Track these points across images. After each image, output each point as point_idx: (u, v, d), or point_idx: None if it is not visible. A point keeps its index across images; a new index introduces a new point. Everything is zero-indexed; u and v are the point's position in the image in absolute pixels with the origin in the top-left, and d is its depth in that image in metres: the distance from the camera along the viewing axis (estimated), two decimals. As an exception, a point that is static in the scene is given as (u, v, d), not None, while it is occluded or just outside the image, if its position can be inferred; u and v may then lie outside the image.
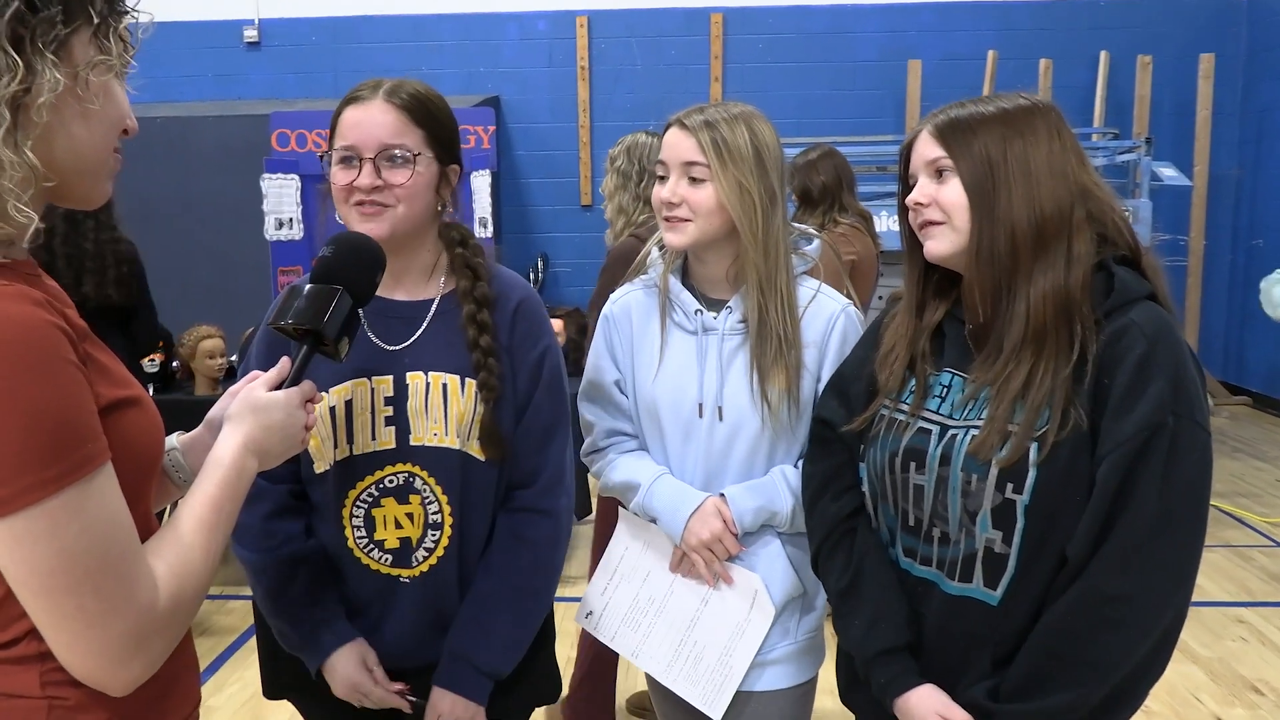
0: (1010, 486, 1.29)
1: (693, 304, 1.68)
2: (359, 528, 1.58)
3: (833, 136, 6.62)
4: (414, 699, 1.58)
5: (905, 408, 1.42)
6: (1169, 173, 6.35)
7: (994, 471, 1.29)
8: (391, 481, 1.57)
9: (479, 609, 1.58)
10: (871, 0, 7.37)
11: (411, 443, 1.56)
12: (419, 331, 1.57)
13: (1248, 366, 7.50)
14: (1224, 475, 5.53)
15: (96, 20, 0.92)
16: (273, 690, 1.73)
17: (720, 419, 1.66)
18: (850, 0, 7.38)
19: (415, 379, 1.56)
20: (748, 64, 7.39)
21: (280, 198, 5.34)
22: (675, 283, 1.70)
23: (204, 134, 5.95)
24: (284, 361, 1.28)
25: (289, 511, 1.62)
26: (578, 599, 1.88)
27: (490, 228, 5.77)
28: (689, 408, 1.68)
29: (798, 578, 1.68)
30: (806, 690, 1.73)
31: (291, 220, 5.37)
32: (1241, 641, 3.61)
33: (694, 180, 1.60)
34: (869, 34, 7.41)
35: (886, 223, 5.40)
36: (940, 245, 1.37)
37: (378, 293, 1.48)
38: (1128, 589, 1.25)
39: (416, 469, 1.57)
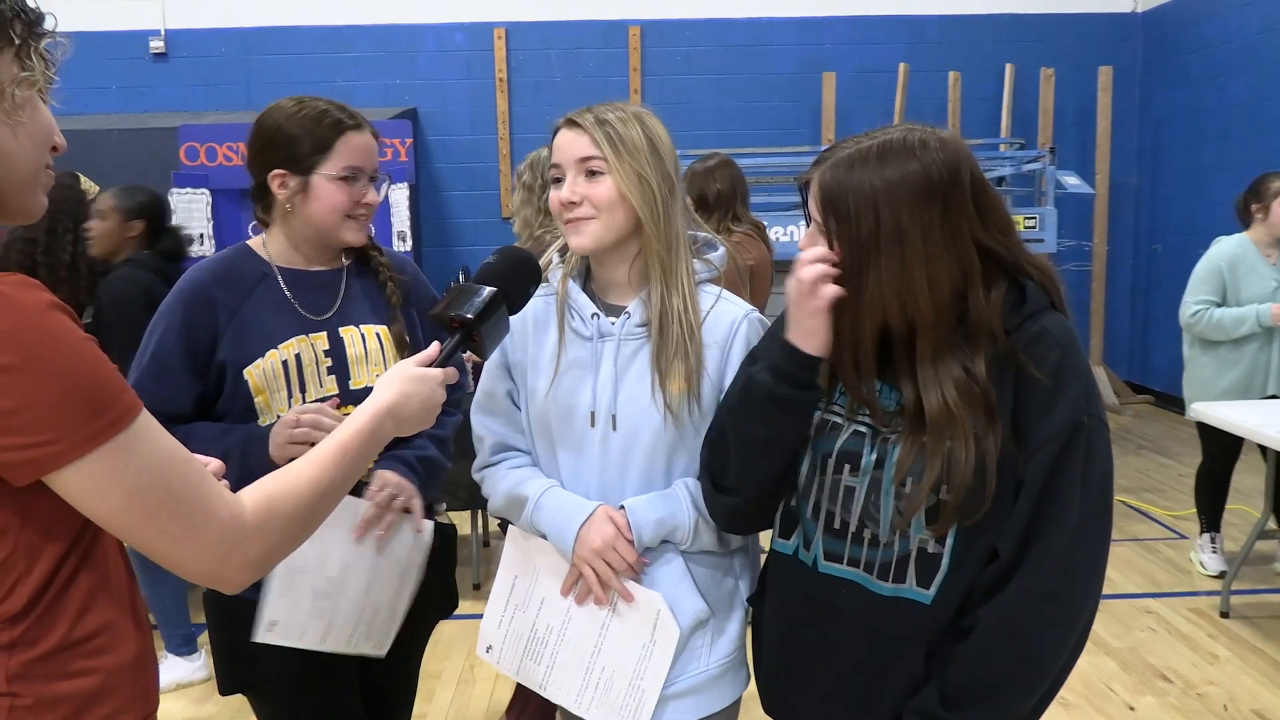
0: (944, 489, 1.31)
1: (590, 308, 1.63)
2: None
3: (750, 147, 6.75)
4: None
5: (839, 409, 1.42)
6: (1072, 181, 6.58)
7: (929, 475, 1.31)
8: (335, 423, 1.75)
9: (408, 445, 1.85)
10: (787, 14, 7.50)
11: (352, 387, 1.81)
12: (340, 296, 1.85)
13: (1151, 366, 7.79)
14: (1130, 471, 5.74)
15: (18, 41, 0.99)
16: (227, 686, 1.83)
17: (614, 428, 1.60)
18: (766, 14, 7.50)
19: (347, 332, 1.83)
20: (666, 76, 7.46)
21: (190, 213, 5.22)
22: (574, 288, 1.66)
23: (110, 148, 5.78)
24: (434, 345, 1.39)
25: None
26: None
27: (409, 241, 5.71)
28: (581, 417, 1.62)
29: (704, 601, 1.61)
30: (729, 714, 1.67)
31: (202, 235, 5.24)
32: (1150, 631, 3.75)
33: (591, 174, 1.57)
34: (785, 47, 7.53)
35: (803, 232, 5.50)
36: (830, 291, 1.35)
37: (295, 267, 1.83)
38: (1060, 586, 1.29)
39: None
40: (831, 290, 1.30)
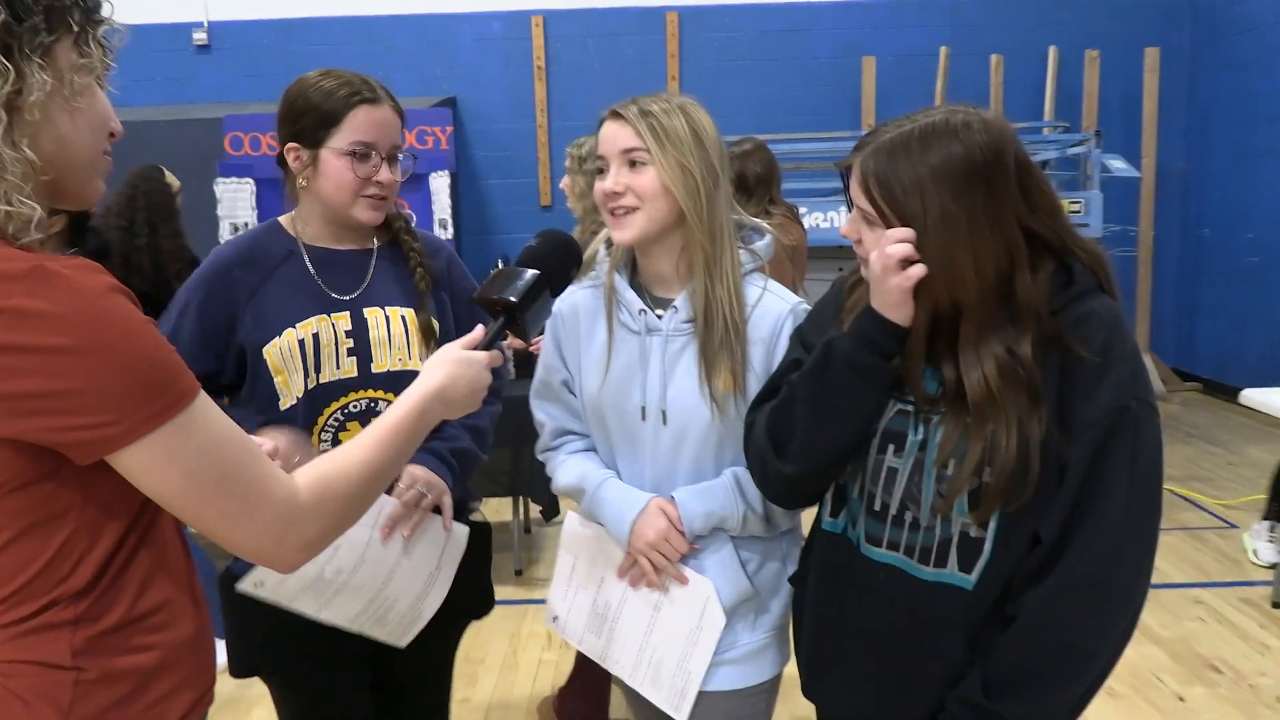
0: (987, 471, 1.29)
1: (637, 303, 1.65)
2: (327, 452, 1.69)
3: (789, 133, 6.70)
4: None
5: None
6: (1118, 165, 6.46)
7: (971, 458, 1.29)
8: (355, 407, 1.75)
9: (441, 437, 1.82)
10: (825, -2, 7.43)
11: (373, 370, 1.75)
12: (369, 276, 1.79)
13: (1198, 353, 7.65)
14: (1178, 460, 5.65)
15: (76, 28, 1.01)
16: (240, 669, 1.82)
17: (665, 423, 1.63)
18: (804, -2, 7.43)
19: (372, 314, 1.77)
20: (704, 63, 7.42)
21: (234, 202, 5.28)
22: (621, 282, 1.67)
23: (156, 138, 5.85)
24: (479, 329, 1.40)
25: None
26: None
27: (450, 229, 5.74)
28: (632, 412, 1.66)
29: (749, 582, 1.65)
30: (767, 689, 1.71)
31: (246, 224, 5.30)
32: (1200, 622, 3.69)
33: (635, 165, 1.58)
34: (823, 31, 7.46)
35: (844, 217, 5.46)
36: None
37: (323, 245, 1.77)
38: (1106, 572, 1.27)
39: (379, 393, 1.75)
40: (919, 270, 1.28)
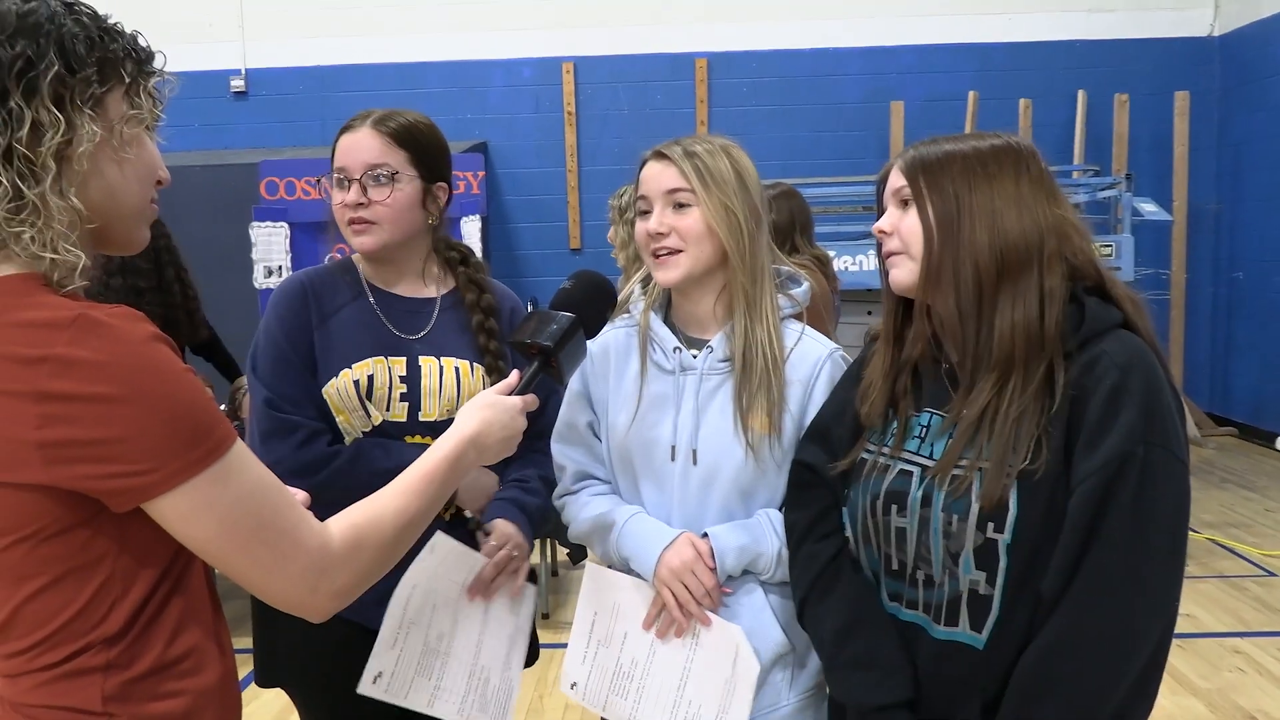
0: (991, 526, 1.27)
1: (672, 341, 1.64)
2: None
3: (817, 177, 6.73)
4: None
5: (887, 450, 1.41)
6: (1149, 208, 6.43)
7: (974, 511, 1.27)
8: None
9: (514, 489, 1.81)
10: (853, 44, 7.49)
11: (420, 418, 1.74)
12: (431, 323, 1.79)
13: (1233, 397, 7.54)
14: (1214, 506, 5.55)
15: (128, 80, 1.03)
16: (266, 679, 1.82)
17: (695, 463, 1.61)
18: (833, 44, 7.49)
19: (428, 362, 1.76)
20: (732, 107, 7.49)
21: (269, 246, 5.36)
22: (656, 320, 1.67)
23: (192, 183, 5.97)
24: (514, 374, 1.42)
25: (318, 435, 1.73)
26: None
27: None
28: (662, 451, 1.63)
29: (784, 635, 1.60)
30: None
31: (281, 268, 5.38)
32: (1239, 672, 3.60)
33: (680, 206, 1.58)
34: (851, 76, 7.51)
35: (874, 261, 5.45)
36: (900, 275, 1.38)
37: (387, 288, 1.78)
38: (1103, 626, 1.22)
39: (425, 440, 1.72)
40: None
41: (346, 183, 1.71)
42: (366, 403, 1.72)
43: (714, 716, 1.58)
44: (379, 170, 1.70)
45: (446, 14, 7.48)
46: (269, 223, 5.08)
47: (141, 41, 1.06)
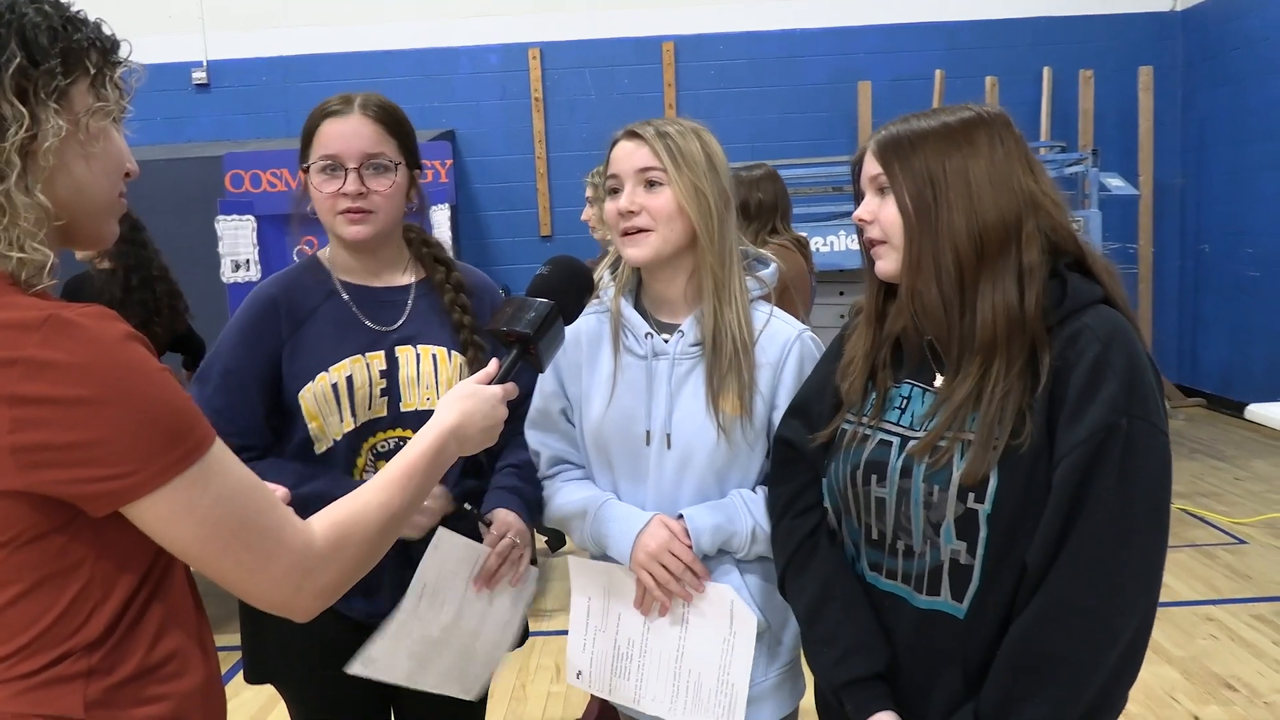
0: (972, 496, 1.28)
1: (644, 327, 1.64)
2: None
3: (787, 159, 6.72)
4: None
5: (866, 419, 1.41)
6: (1116, 183, 6.48)
7: (955, 482, 1.28)
8: (384, 446, 1.72)
9: (511, 476, 1.78)
10: (820, 24, 7.49)
11: (402, 409, 1.72)
12: (405, 313, 1.75)
13: (1201, 369, 7.65)
14: (1184, 476, 5.63)
15: (93, 71, 1.00)
16: (256, 675, 1.82)
17: (669, 447, 1.62)
18: (799, 25, 7.49)
19: (404, 352, 1.73)
20: (701, 90, 7.47)
21: (236, 239, 5.29)
22: (627, 306, 1.67)
23: (156, 178, 5.88)
24: (494, 362, 1.39)
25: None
26: (557, 632, 1.85)
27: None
28: (636, 436, 1.64)
29: (761, 614, 1.61)
30: None
31: (248, 261, 5.32)
32: (1212, 639, 3.66)
33: (651, 185, 1.58)
34: (818, 57, 7.51)
35: (845, 242, 5.47)
36: (886, 265, 1.38)
37: (359, 282, 1.74)
38: (1090, 598, 1.23)
39: (407, 432, 1.71)
40: None
41: (340, 170, 1.65)
42: (346, 405, 1.69)
43: (716, 679, 1.60)
44: (378, 159, 1.66)
45: (411, 1, 7.41)
46: (235, 216, 5.02)
47: (107, 30, 1.03)
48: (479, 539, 1.69)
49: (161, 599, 1.06)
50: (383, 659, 1.64)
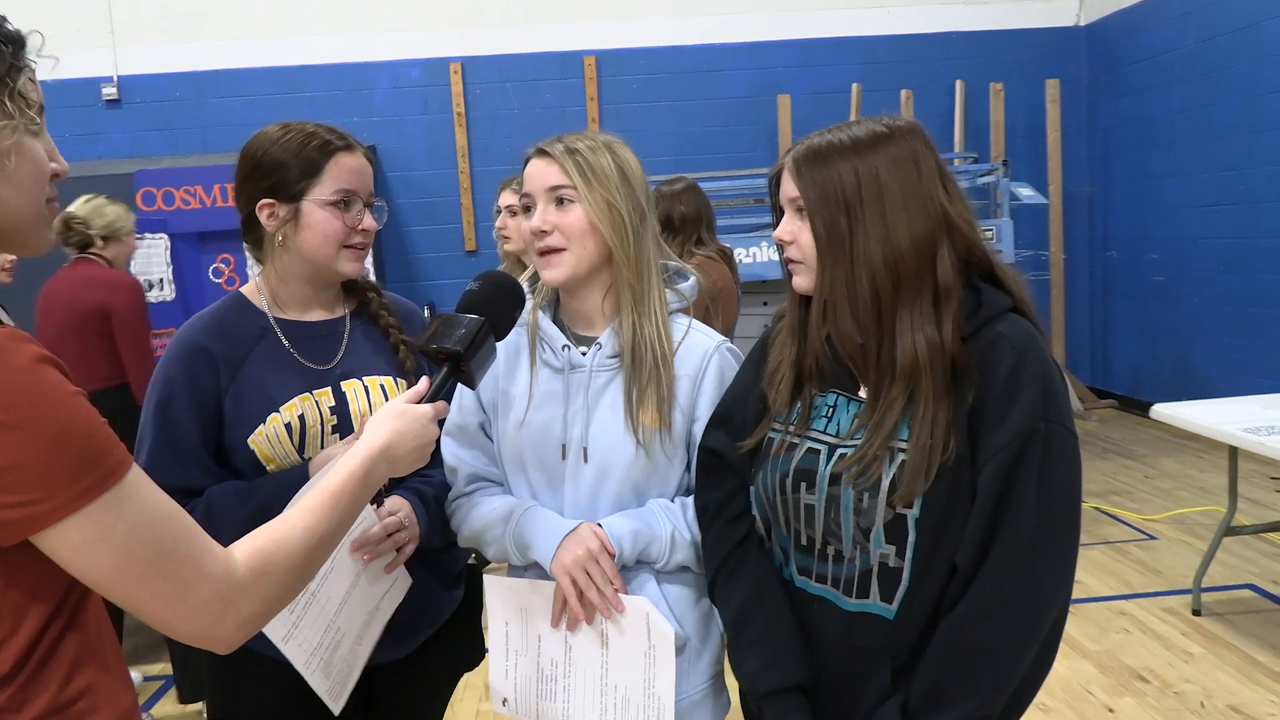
0: (899, 498, 1.32)
1: (560, 339, 1.63)
2: None
3: (709, 171, 6.80)
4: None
5: (793, 428, 1.44)
6: (1026, 192, 6.68)
7: (884, 489, 1.32)
8: None
9: (416, 480, 1.75)
10: (739, 39, 7.59)
11: None
12: (342, 346, 1.74)
13: (1113, 371, 7.91)
14: (1097, 475, 5.81)
15: None
16: (189, 694, 1.83)
17: (586, 460, 1.60)
18: (719, 40, 7.59)
19: (350, 386, 1.72)
20: (623, 104, 7.52)
21: (149, 258, 5.17)
22: (545, 319, 1.65)
23: (66, 196, 5.73)
24: (424, 381, 1.37)
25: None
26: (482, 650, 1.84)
27: (373, 278, 5.69)
28: (553, 450, 1.62)
29: (678, 626, 1.58)
30: None
31: (162, 280, 5.19)
32: (1125, 633, 3.79)
33: (561, 203, 1.57)
34: (739, 71, 7.62)
35: (767, 253, 5.54)
36: (804, 281, 1.42)
37: (293, 317, 1.71)
38: (1017, 593, 1.29)
39: None
40: None
41: (358, 205, 1.68)
42: (299, 444, 1.65)
43: (642, 691, 1.58)
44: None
45: (329, 15, 7.33)
46: (148, 234, 4.91)
47: (10, 27, 0.98)
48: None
49: (75, 631, 1.01)
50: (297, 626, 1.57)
